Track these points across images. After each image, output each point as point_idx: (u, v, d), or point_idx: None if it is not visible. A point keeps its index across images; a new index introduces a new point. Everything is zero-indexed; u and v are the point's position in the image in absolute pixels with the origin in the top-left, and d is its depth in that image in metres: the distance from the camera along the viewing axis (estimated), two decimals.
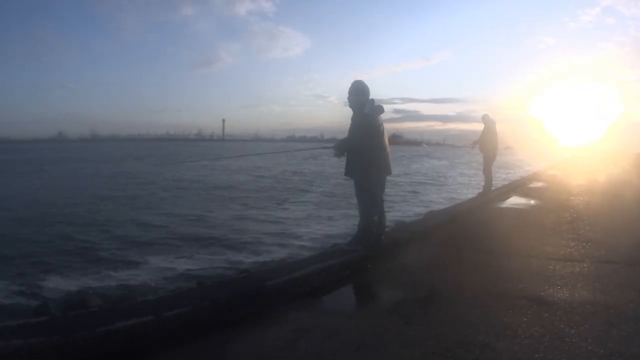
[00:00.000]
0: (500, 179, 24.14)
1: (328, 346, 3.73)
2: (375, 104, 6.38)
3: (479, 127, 13.89)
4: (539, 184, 18.67)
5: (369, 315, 4.52)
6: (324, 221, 15.43)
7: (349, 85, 6.48)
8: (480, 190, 14.70)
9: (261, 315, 4.36)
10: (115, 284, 8.49)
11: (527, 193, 15.33)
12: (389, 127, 6.67)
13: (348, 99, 6.48)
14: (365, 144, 6.24)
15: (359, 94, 6.39)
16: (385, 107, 6.51)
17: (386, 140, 6.53)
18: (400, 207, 18.14)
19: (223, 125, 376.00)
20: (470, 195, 17.32)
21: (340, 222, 15.05)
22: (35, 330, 3.48)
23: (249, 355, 3.62)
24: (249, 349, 3.72)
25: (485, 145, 13.70)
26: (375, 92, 6.52)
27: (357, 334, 3.97)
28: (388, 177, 6.75)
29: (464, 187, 27.63)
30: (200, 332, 3.91)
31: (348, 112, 6.51)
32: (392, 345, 3.72)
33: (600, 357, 3.44)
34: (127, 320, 3.65)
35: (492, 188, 14.56)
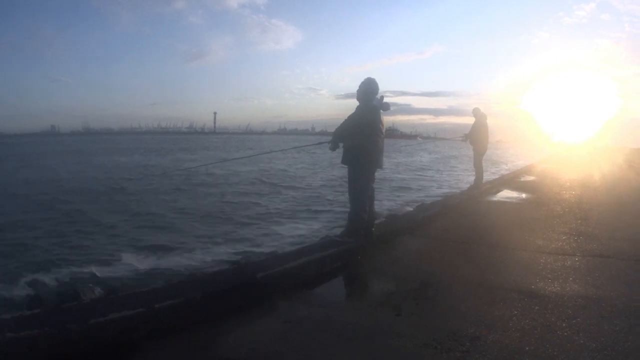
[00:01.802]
0: (490, 172, 24.16)
1: (319, 337, 3.71)
2: (384, 100, 6.62)
3: (471, 120, 13.89)
4: (531, 178, 18.73)
5: (360, 307, 4.51)
6: (312, 215, 15.37)
7: (340, 78, 6.73)
8: (472, 183, 14.71)
9: (253, 306, 4.33)
10: (106, 277, 8.43)
11: (518, 187, 15.39)
12: (385, 121, 6.79)
13: (357, 92, 6.66)
14: (361, 135, 6.37)
15: (368, 90, 6.57)
16: (388, 102, 6.63)
17: (382, 136, 6.63)
18: (391, 200, 18.11)
19: (214, 118, 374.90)
20: (462, 188, 17.34)
21: (328, 215, 15.00)
22: (29, 322, 3.47)
23: (240, 346, 3.59)
24: (240, 339, 3.69)
25: (475, 139, 13.69)
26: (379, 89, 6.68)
27: (348, 325, 3.95)
28: (379, 170, 6.83)
29: (455, 180, 27.64)
30: (192, 324, 3.88)
31: (339, 105, 6.68)
32: (383, 337, 3.70)
33: (593, 351, 3.44)
34: (119, 312, 3.65)
35: (483, 181, 14.57)
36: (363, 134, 6.38)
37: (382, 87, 6.65)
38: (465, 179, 24.58)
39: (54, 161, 39.56)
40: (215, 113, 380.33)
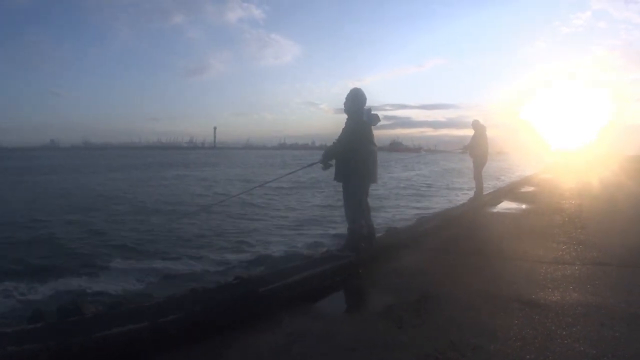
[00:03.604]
0: (490, 184, 24.14)
1: (321, 350, 3.73)
2: (372, 112, 6.56)
3: (471, 132, 13.95)
4: (530, 189, 18.74)
5: (362, 320, 4.52)
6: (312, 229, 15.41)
7: (340, 92, 6.62)
8: (472, 195, 14.73)
9: (255, 320, 4.34)
10: (107, 290, 8.47)
11: (518, 197, 15.40)
12: (386, 135, 6.78)
13: (344, 104, 6.60)
14: (355, 148, 6.35)
15: (355, 101, 6.53)
16: (377, 113, 6.61)
17: (375, 149, 6.64)
18: (392, 213, 18.15)
19: (214, 133, 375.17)
20: (462, 201, 17.36)
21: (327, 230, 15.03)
22: (32, 336, 3.50)
23: (243, 359, 3.62)
24: (243, 353, 3.71)
25: (475, 151, 13.74)
26: (367, 99, 6.62)
27: (350, 337, 3.97)
28: (380, 183, 6.84)
29: (456, 192, 27.68)
30: (195, 338, 3.90)
31: (339, 119, 6.58)
32: (385, 349, 3.72)
33: (593, 358, 3.46)
34: (122, 326, 3.67)
35: (484, 193, 14.59)
36: (356, 148, 6.37)
37: (382, 100, 6.72)
38: (465, 191, 24.60)
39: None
40: (215, 128, 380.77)
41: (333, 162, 6.58)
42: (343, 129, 6.55)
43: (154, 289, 8.50)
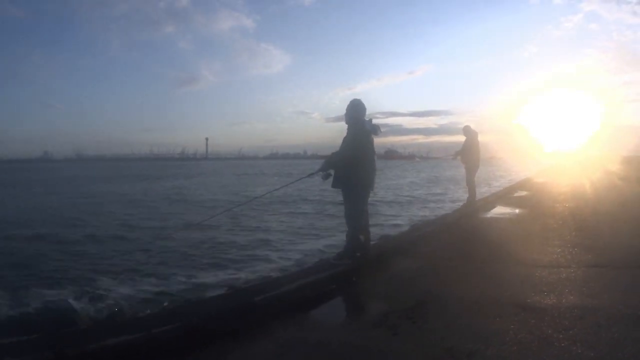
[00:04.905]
0: (483, 190, 24.15)
1: (315, 359, 3.71)
2: (373, 123, 6.66)
3: (462, 138, 13.97)
4: (524, 193, 18.77)
5: (357, 328, 4.50)
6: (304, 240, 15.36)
7: (331, 101, 6.76)
8: (465, 201, 14.73)
9: (249, 330, 4.31)
10: (102, 302, 8.41)
11: (512, 202, 15.41)
12: (378, 143, 6.86)
13: (345, 115, 6.71)
14: (358, 155, 6.42)
15: (354, 111, 6.64)
16: (378, 124, 6.72)
17: (375, 158, 6.76)
18: (385, 222, 18.11)
19: (206, 144, 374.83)
20: (456, 207, 17.36)
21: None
22: (29, 347, 3.48)
23: None
24: None
25: (467, 157, 13.76)
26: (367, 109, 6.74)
27: (344, 346, 3.94)
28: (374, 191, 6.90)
29: (449, 199, 27.69)
30: (190, 348, 3.87)
31: (330, 128, 6.71)
32: (380, 357, 3.69)
33: None
34: (117, 337, 3.66)
35: (477, 198, 14.60)
36: (357, 155, 6.43)
37: (373, 108, 6.74)
38: (458, 199, 24.60)
39: None
40: (207, 138, 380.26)
41: (332, 171, 6.64)
42: (344, 138, 6.64)
43: (147, 301, 8.43)
